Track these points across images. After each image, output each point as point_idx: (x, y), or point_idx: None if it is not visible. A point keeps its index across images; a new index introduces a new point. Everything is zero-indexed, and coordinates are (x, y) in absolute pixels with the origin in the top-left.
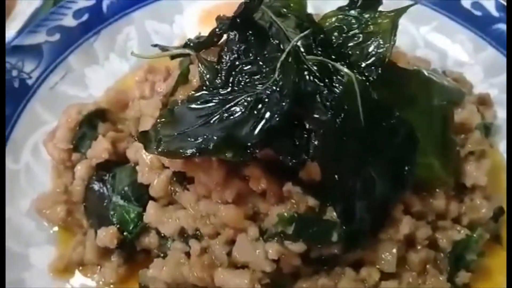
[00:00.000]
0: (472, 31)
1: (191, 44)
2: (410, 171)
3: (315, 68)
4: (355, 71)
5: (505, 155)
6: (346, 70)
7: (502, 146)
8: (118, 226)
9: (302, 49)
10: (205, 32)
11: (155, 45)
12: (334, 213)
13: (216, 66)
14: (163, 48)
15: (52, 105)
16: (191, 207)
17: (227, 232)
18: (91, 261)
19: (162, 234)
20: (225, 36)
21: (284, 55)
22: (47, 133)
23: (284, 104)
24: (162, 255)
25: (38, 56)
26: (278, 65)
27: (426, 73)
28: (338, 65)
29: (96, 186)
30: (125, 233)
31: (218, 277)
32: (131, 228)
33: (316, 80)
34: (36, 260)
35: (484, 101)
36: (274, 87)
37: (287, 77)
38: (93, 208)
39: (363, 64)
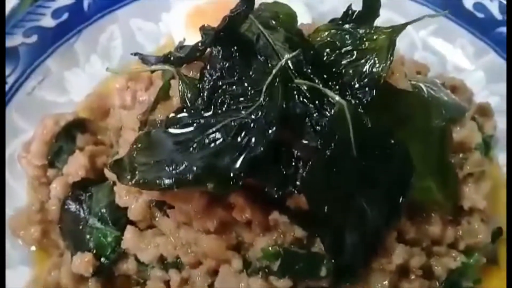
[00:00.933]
0: (474, 34)
1: (172, 58)
2: (405, 199)
3: (304, 88)
4: (347, 93)
5: (504, 169)
6: (337, 98)
7: (502, 159)
8: (94, 251)
9: (291, 67)
10: (193, 33)
11: (135, 54)
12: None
13: (198, 85)
14: (143, 59)
15: (30, 112)
16: (171, 234)
17: (209, 263)
18: (67, 286)
19: (141, 261)
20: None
21: (270, 78)
22: (23, 144)
23: (270, 132)
24: (142, 281)
25: (15, 59)
26: (264, 88)
27: (424, 89)
28: (329, 91)
29: (72, 206)
30: (102, 259)
31: None
32: (108, 253)
33: (305, 102)
34: (10, 282)
35: (484, 112)
36: (259, 112)
37: (273, 101)
38: (69, 231)
39: (357, 85)
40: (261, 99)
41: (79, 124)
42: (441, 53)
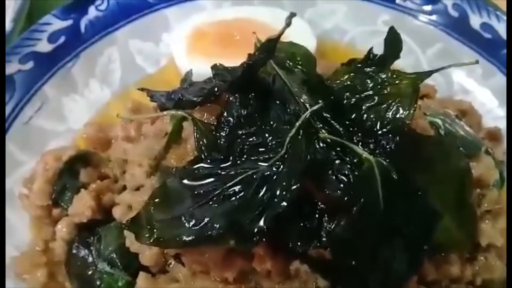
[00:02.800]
0: (481, 54)
1: (183, 99)
2: (429, 247)
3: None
4: (371, 141)
5: None
6: (365, 154)
7: None
8: None
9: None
10: (193, 55)
11: (142, 89)
12: None
13: (214, 132)
14: (153, 97)
15: (28, 143)
16: (186, 282)
17: None
18: None
19: None
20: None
21: (294, 130)
22: (23, 178)
23: (293, 187)
24: None
25: (10, 88)
26: (287, 140)
27: (441, 125)
28: (356, 148)
29: (80, 251)
30: None
31: None
32: None
33: (327, 152)
34: None
35: (493, 136)
36: (281, 165)
37: (296, 153)
38: (77, 275)
39: (380, 132)
40: (283, 151)
41: (81, 158)
42: (448, 73)
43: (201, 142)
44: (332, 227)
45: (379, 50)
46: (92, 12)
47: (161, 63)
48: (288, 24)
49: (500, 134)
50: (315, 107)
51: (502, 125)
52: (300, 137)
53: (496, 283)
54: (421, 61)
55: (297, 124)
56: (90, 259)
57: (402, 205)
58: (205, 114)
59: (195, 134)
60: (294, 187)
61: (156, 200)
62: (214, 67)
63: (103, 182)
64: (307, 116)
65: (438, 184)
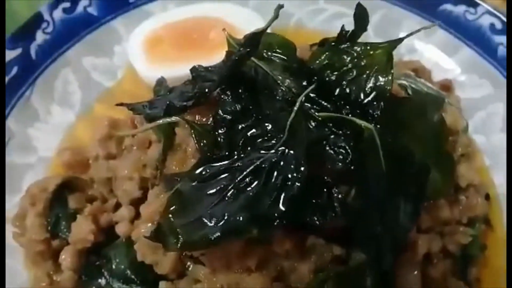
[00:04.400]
0: (421, 15)
1: (172, 105)
2: (425, 197)
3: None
4: (358, 111)
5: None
6: (365, 123)
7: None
8: None
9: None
10: (152, 60)
11: (120, 104)
12: (360, 256)
13: (211, 132)
14: (135, 109)
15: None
16: (208, 280)
17: None
18: None
19: None
20: None
21: (293, 115)
22: (11, 219)
23: (302, 168)
24: None
25: None
26: (288, 124)
27: (408, 85)
28: (356, 119)
29: (91, 276)
30: None
31: None
32: None
33: (324, 130)
34: None
35: (446, 88)
36: (286, 149)
37: (297, 135)
38: None
39: (365, 101)
40: (285, 136)
41: (66, 185)
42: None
43: (202, 144)
44: (344, 197)
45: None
46: (40, 37)
47: (118, 75)
48: (276, 15)
49: (451, 84)
50: (309, 89)
51: (451, 76)
52: (298, 120)
53: (480, 219)
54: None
55: (295, 108)
56: (104, 281)
57: (399, 165)
58: (197, 117)
59: (194, 136)
60: (303, 167)
61: (173, 207)
62: (193, 70)
63: (94, 204)
64: (302, 100)
65: (419, 140)
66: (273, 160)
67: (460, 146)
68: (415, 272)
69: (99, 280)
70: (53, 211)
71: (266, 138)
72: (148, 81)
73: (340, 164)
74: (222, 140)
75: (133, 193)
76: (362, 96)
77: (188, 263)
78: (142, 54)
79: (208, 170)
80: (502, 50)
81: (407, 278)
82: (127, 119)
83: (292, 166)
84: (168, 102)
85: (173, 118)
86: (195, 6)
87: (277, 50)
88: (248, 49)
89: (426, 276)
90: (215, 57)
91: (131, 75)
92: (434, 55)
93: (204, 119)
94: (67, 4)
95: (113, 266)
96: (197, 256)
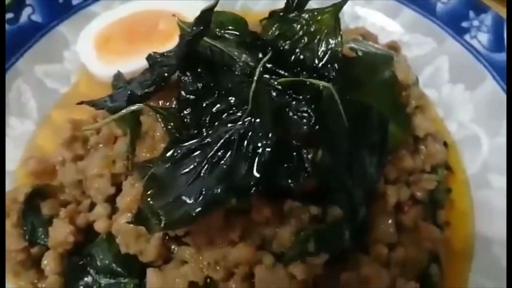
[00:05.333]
0: None
1: (134, 94)
2: (387, 147)
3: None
4: (314, 75)
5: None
6: (323, 83)
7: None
8: None
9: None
10: (106, 58)
11: (81, 103)
12: (336, 212)
13: (177, 113)
14: (96, 105)
15: None
16: (195, 259)
17: (242, 270)
18: None
19: None
20: None
21: (254, 84)
22: None
23: (270, 134)
24: None
25: None
26: (251, 94)
27: (357, 48)
28: (314, 81)
29: (77, 276)
30: None
31: None
32: None
33: (285, 96)
34: None
35: (393, 48)
36: (252, 119)
37: (261, 105)
38: None
39: (320, 65)
40: (250, 106)
41: (36, 193)
42: None
43: (169, 126)
44: (314, 157)
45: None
46: None
47: (72, 80)
48: None
49: (397, 45)
50: (265, 58)
51: (396, 37)
52: (260, 89)
53: (441, 165)
54: None
55: (255, 78)
56: (90, 279)
57: (359, 120)
58: (160, 102)
59: (160, 120)
60: (271, 133)
61: (150, 191)
62: (149, 57)
63: (68, 207)
64: (261, 69)
65: (374, 96)
66: (241, 131)
67: (413, 99)
68: (389, 221)
69: (86, 279)
70: (27, 219)
71: (231, 111)
72: (103, 80)
73: (305, 127)
74: (188, 120)
75: (107, 190)
76: (316, 60)
77: (173, 247)
78: (93, 54)
79: (179, 151)
80: (440, 7)
81: (381, 228)
82: (89, 119)
83: (260, 134)
84: (129, 92)
85: (137, 106)
86: (139, 1)
87: (229, 27)
88: (201, 27)
89: (399, 224)
90: (166, 46)
91: (85, 77)
92: (377, 19)
93: (167, 103)
94: (10, 15)
95: (98, 263)
96: (181, 237)
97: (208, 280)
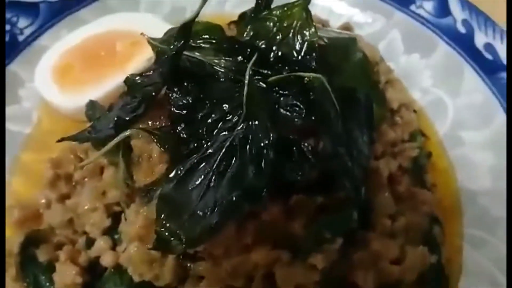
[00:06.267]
0: None
1: (122, 119)
2: (374, 124)
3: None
4: (297, 68)
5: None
6: (312, 74)
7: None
8: None
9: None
10: (66, 88)
11: (61, 140)
12: (341, 196)
13: (172, 131)
14: (78, 139)
15: None
16: (211, 272)
17: (261, 272)
18: None
19: None
20: None
21: (246, 88)
22: None
23: (271, 134)
24: None
25: None
26: (245, 99)
27: (325, 38)
28: (304, 73)
29: None
30: None
31: None
32: None
33: (276, 95)
34: None
35: (347, 29)
36: (249, 122)
37: (255, 106)
38: None
39: (299, 57)
40: (245, 110)
41: (29, 241)
42: None
43: (166, 146)
44: (313, 147)
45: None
46: None
47: (34, 118)
48: (204, 2)
49: (350, 26)
50: (252, 60)
51: (347, 19)
52: (252, 91)
53: (417, 132)
54: None
55: (246, 81)
56: None
57: (347, 103)
58: (149, 123)
59: (156, 142)
60: (271, 133)
61: (163, 214)
62: (127, 80)
63: (65, 248)
64: (250, 72)
65: (352, 78)
66: (241, 136)
67: (383, 74)
68: (386, 194)
69: None
70: (27, 271)
71: (227, 118)
72: (68, 113)
73: (298, 120)
74: (184, 135)
75: (103, 223)
76: (295, 53)
77: (188, 264)
78: (54, 88)
79: (181, 168)
80: None
81: (380, 201)
82: (69, 154)
83: (260, 135)
84: (115, 118)
85: (129, 131)
86: (87, 26)
87: (204, 36)
88: (183, 41)
89: (394, 195)
90: (127, 68)
91: (47, 113)
92: (326, 4)
93: (157, 123)
94: None
95: None
96: (195, 253)
97: None
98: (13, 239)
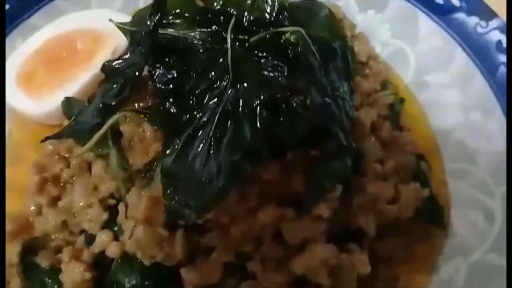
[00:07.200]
0: None
1: (107, 104)
2: (351, 73)
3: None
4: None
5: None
6: (292, 28)
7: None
8: None
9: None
10: (38, 96)
11: (45, 139)
12: (334, 145)
13: (161, 108)
14: (59, 136)
15: None
16: (222, 241)
17: (269, 231)
18: None
19: None
20: None
21: (230, 52)
22: None
23: (262, 93)
24: None
25: None
26: (230, 63)
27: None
28: (284, 28)
29: None
30: None
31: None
32: None
33: (256, 59)
34: None
35: None
36: (238, 85)
37: (241, 68)
38: None
39: (272, 18)
40: (231, 74)
41: (27, 250)
42: None
43: (159, 123)
44: (302, 101)
45: None
46: None
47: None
48: None
49: None
50: (232, 22)
51: None
52: (236, 55)
53: (388, 82)
54: None
55: (228, 46)
56: None
57: (326, 54)
58: (136, 105)
59: (148, 121)
60: (262, 93)
61: (170, 188)
62: (104, 67)
63: (66, 250)
64: (231, 36)
65: (322, 33)
66: (231, 100)
67: (348, 29)
68: (372, 139)
69: None
70: (32, 278)
71: (215, 86)
72: (41, 118)
73: (282, 79)
74: (175, 110)
75: (101, 217)
76: (267, 16)
77: (197, 238)
78: (21, 96)
79: (178, 142)
80: None
81: (368, 148)
82: (52, 155)
83: (251, 96)
84: (101, 105)
85: (117, 115)
86: (44, 30)
87: (176, 11)
88: (158, 15)
89: (379, 140)
90: (92, 65)
91: (17, 125)
92: None
93: (142, 104)
94: None
95: (127, 286)
96: (202, 226)
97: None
98: (11, 250)
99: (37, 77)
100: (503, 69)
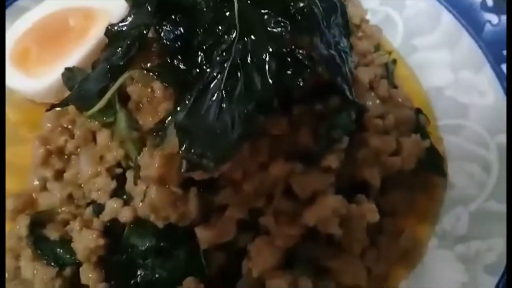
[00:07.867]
0: None
1: (115, 65)
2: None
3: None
4: None
5: None
6: None
7: None
8: None
9: None
10: (31, 71)
11: (50, 108)
12: (336, 100)
13: (171, 64)
14: (69, 102)
15: None
16: (234, 198)
17: (280, 186)
18: None
19: None
20: None
21: (237, 6)
22: None
23: (271, 45)
24: None
25: None
26: (237, 17)
27: None
28: None
29: (126, 272)
30: None
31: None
32: None
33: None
34: None
35: None
36: (245, 37)
37: (248, 21)
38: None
39: None
40: (238, 27)
41: (35, 223)
42: None
43: (169, 81)
44: (307, 53)
45: None
46: None
47: None
48: None
49: None
50: None
51: None
52: (242, 9)
53: (379, 43)
54: None
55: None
56: (143, 272)
57: (328, 8)
58: (142, 65)
59: (158, 79)
60: (270, 46)
61: (185, 143)
62: (108, 32)
63: (75, 221)
64: None
65: None
66: (240, 53)
67: None
68: (372, 94)
69: (138, 271)
70: (43, 249)
71: (223, 40)
72: (38, 96)
73: (285, 34)
74: (184, 66)
75: (109, 186)
76: None
77: (211, 197)
78: (17, 75)
79: (189, 97)
80: None
81: (369, 104)
82: (56, 127)
83: (260, 48)
84: (108, 67)
85: (127, 73)
86: (35, 10)
87: None
88: None
89: (378, 97)
90: (85, 41)
91: (12, 106)
92: None
93: (149, 64)
94: None
95: (142, 248)
96: (215, 183)
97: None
98: (19, 223)
99: (31, 56)
100: (489, 27)
